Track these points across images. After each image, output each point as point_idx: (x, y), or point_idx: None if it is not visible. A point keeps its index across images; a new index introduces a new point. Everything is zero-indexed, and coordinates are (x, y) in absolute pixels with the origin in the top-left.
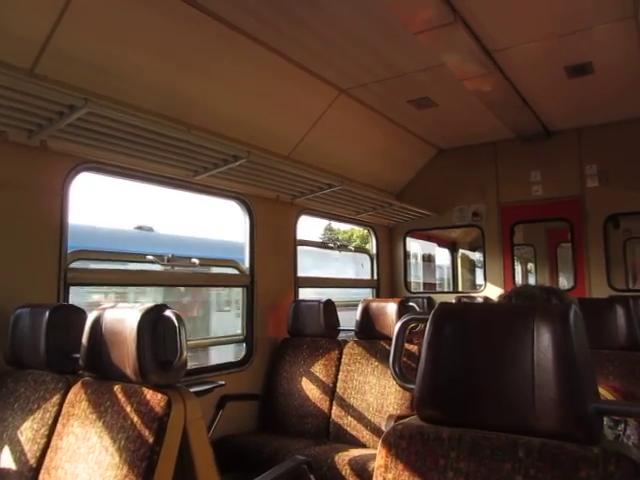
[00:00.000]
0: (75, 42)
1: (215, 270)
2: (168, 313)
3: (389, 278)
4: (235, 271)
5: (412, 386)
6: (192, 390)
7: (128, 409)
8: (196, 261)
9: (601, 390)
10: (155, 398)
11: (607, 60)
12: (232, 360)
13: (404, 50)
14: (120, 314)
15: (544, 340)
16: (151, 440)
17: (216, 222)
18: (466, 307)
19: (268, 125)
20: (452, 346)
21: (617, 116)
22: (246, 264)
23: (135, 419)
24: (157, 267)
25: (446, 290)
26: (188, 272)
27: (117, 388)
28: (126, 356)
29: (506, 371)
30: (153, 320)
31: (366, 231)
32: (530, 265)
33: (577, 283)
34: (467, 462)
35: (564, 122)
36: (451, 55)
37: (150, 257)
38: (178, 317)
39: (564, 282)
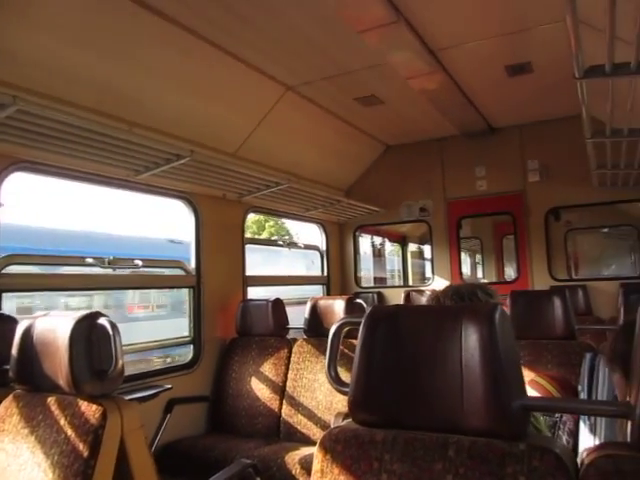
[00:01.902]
0: (3, 35)
1: (160, 271)
2: (102, 321)
3: (339, 274)
4: (181, 272)
5: (348, 389)
6: (137, 395)
7: (62, 422)
8: (139, 262)
9: (539, 379)
10: (90, 409)
11: (545, 60)
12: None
13: (349, 48)
14: (52, 323)
15: (471, 341)
16: (86, 454)
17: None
18: (398, 310)
19: (214, 122)
20: (385, 349)
21: (555, 114)
22: (192, 264)
23: (69, 432)
24: (98, 270)
25: (397, 284)
26: (131, 274)
27: (50, 400)
28: (59, 366)
29: (436, 372)
30: (86, 328)
31: (263, 217)
32: (478, 257)
33: (520, 274)
34: (400, 464)
35: (506, 119)
36: (395, 54)
37: (90, 259)
38: (113, 325)
39: (510, 273)
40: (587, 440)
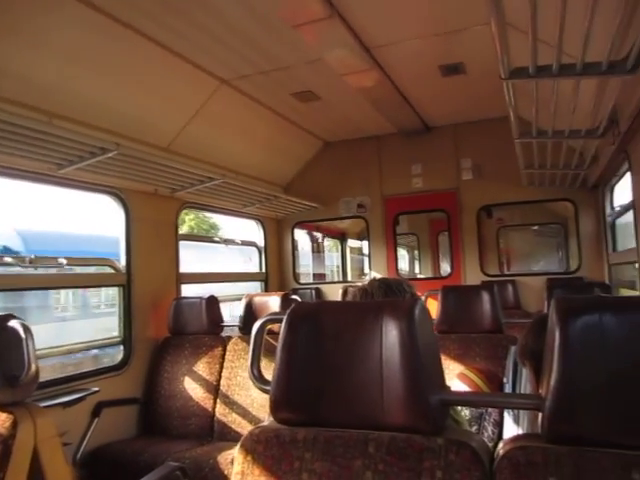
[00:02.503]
0: None
1: (88, 270)
2: (13, 323)
3: (278, 270)
4: (110, 270)
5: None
6: (60, 401)
7: None
8: (64, 261)
9: (467, 372)
10: None
11: (477, 61)
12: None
13: (285, 43)
14: None
15: (391, 337)
16: None
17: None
18: (321, 306)
19: (144, 115)
20: (307, 346)
21: (487, 114)
22: (122, 262)
23: None
24: (17, 269)
25: (336, 280)
26: (55, 273)
27: None
28: None
29: (358, 369)
30: None
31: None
32: (417, 253)
33: (453, 270)
34: (321, 462)
35: (441, 118)
36: (331, 50)
37: (8, 259)
38: (25, 327)
39: (446, 268)
40: (511, 430)
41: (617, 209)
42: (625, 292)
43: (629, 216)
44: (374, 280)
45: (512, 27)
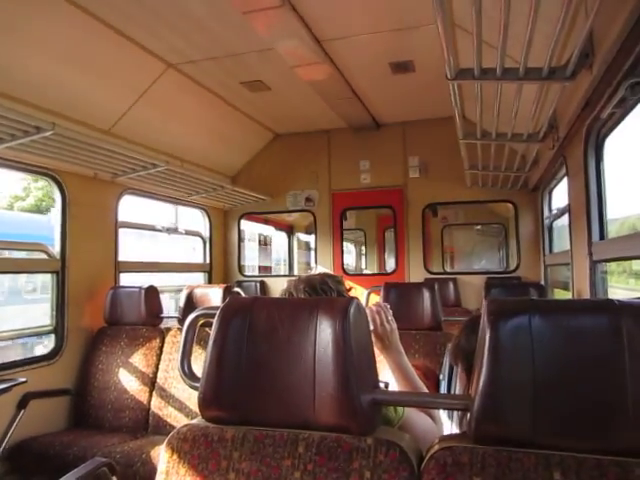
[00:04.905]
0: None
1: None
2: None
3: (223, 261)
4: (43, 255)
5: None
6: None
7: None
8: None
9: None
10: None
11: (426, 60)
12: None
13: (236, 30)
14: None
15: (325, 335)
16: None
17: None
18: (255, 302)
19: (86, 96)
20: (239, 342)
21: (435, 113)
22: (56, 248)
23: None
24: None
25: (283, 273)
26: None
27: None
28: None
29: (290, 367)
30: None
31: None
32: (364, 248)
33: (398, 266)
34: (249, 462)
35: (390, 116)
36: (281, 40)
37: None
38: None
39: (392, 264)
40: (445, 426)
41: (554, 212)
42: (559, 293)
43: (565, 219)
44: (298, 281)
45: (460, 28)
